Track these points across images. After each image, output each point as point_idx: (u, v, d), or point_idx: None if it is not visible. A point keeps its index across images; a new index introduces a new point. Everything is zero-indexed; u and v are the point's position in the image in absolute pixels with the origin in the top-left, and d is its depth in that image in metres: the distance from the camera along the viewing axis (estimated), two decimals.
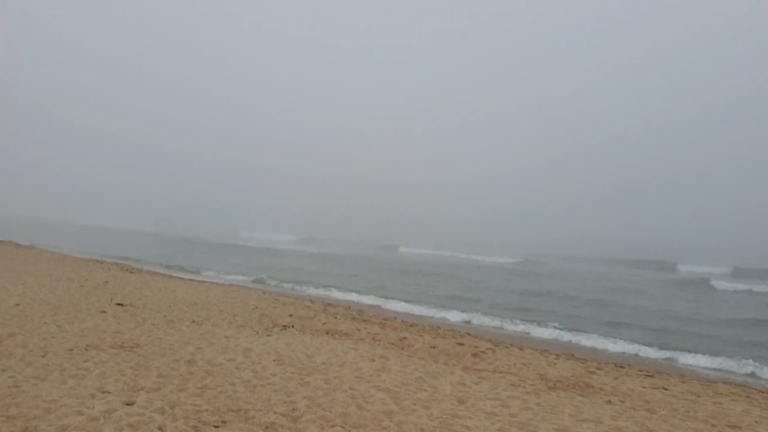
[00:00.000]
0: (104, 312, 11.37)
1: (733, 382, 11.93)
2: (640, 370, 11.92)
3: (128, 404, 6.00)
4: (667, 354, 14.31)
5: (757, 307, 27.70)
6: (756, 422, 7.51)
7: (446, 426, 6.21)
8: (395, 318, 16.92)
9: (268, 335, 10.81)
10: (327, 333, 11.66)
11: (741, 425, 7.26)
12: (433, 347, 10.97)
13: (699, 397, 8.87)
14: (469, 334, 15.47)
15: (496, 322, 18.26)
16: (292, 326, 12.07)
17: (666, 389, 9.27)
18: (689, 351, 14.73)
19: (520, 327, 17.51)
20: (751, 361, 13.93)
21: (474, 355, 10.60)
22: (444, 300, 23.78)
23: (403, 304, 21.50)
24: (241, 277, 27.75)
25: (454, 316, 18.98)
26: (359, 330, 12.36)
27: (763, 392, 10.47)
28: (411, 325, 14.79)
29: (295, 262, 44.39)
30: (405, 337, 11.86)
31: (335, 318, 14.10)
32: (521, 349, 12.40)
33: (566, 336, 16.29)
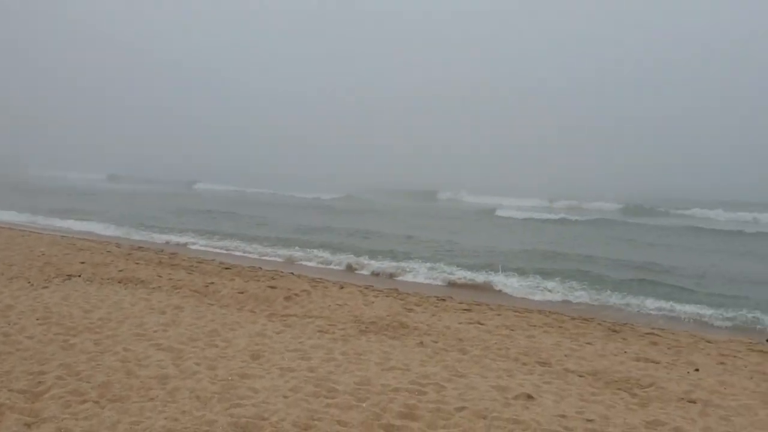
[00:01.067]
0: None
1: (548, 310, 12.03)
2: (460, 303, 11.66)
3: None
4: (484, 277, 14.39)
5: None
6: (566, 356, 7.25)
7: (230, 389, 5.23)
8: (213, 260, 15.63)
9: (45, 287, 9.21)
10: (120, 282, 10.21)
11: (551, 361, 6.95)
12: (242, 292, 9.91)
13: (513, 331, 8.58)
14: (292, 273, 14.58)
15: (326, 255, 17.52)
16: (79, 275, 10.47)
17: (481, 324, 8.92)
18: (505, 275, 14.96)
19: (345, 263, 16.89)
20: (575, 284, 14.35)
21: (287, 298, 9.68)
22: (271, 240, 22.67)
23: (226, 242, 20.23)
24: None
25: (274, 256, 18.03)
26: (161, 276, 11.00)
27: (574, 319, 10.54)
28: (226, 268, 13.61)
29: (102, 201, 40.96)
30: (212, 283, 10.69)
31: (137, 263, 12.57)
32: (342, 288, 11.67)
33: (392, 270, 15.90)
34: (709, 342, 10.12)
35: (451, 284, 14.69)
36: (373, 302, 9.85)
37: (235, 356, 6.24)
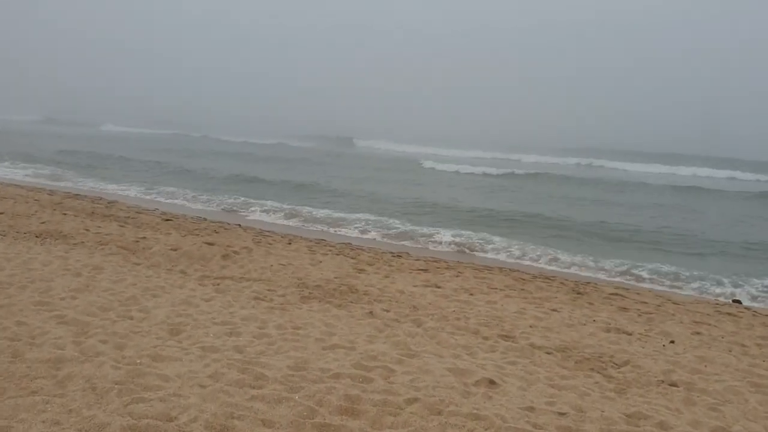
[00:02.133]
0: None
1: (509, 268, 11.31)
2: (416, 259, 10.85)
3: None
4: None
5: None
6: (531, 327, 6.47)
7: (135, 377, 4.29)
8: (155, 210, 14.49)
9: None
10: (39, 236, 9.06)
11: (515, 333, 6.17)
12: (175, 249, 8.88)
13: (472, 295, 7.77)
14: (239, 226, 13.57)
15: (276, 206, 16.50)
16: None
17: (438, 287, 8.11)
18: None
19: (295, 215, 15.90)
20: (528, 241, 13.62)
21: (224, 257, 8.69)
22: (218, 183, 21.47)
23: (172, 189, 19.09)
24: None
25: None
26: (87, 230, 9.86)
27: (536, 278, 9.82)
28: (167, 220, 12.52)
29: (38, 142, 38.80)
30: (144, 237, 9.62)
31: (65, 214, 11.37)
32: (290, 244, 10.73)
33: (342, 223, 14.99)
34: (676, 304, 9.56)
35: (402, 237, 13.90)
36: (321, 261, 8.93)
37: (150, 331, 5.28)
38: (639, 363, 5.58)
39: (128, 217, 12.20)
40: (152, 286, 6.74)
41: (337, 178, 26.99)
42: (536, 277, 10.71)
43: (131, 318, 5.59)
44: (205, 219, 14.22)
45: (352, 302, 6.81)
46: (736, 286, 11.57)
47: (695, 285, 11.54)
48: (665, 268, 12.30)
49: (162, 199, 17.86)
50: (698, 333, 6.96)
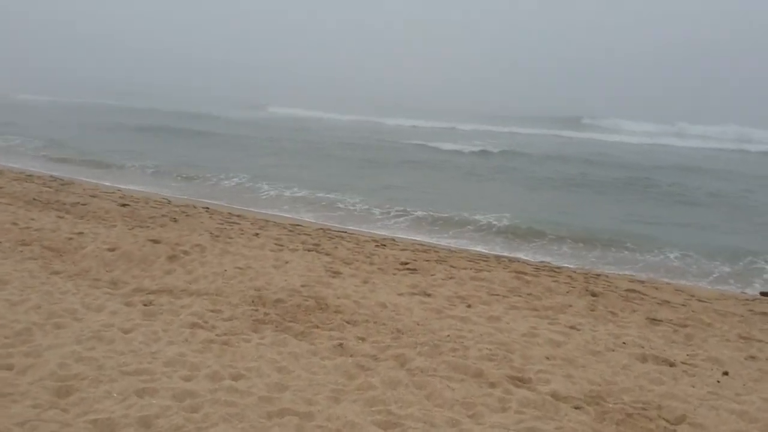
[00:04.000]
0: None
1: (507, 257, 9.81)
2: (402, 249, 9.32)
3: None
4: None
5: None
6: (548, 359, 4.93)
7: None
8: (114, 192, 12.84)
9: None
10: None
11: (529, 374, 4.62)
12: (113, 249, 7.27)
13: (470, 307, 6.21)
14: (207, 209, 11.97)
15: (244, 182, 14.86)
16: None
17: (428, 295, 6.56)
18: None
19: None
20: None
21: (171, 258, 7.09)
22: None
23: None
24: None
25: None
26: (16, 224, 8.19)
27: (538, 270, 8.32)
28: (123, 205, 10.90)
29: None
30: (81, 233, 7.99)
31: None
32: (256, 236, 9.13)
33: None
34: (702, 302, 8.15)
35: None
36: (287, 262, 7.33)
37: (27, 392, 3.71)
38: (698, 418, 4.07)
39: (77, 203, 10.55)
40: (61, 309, 5.14)
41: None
42: (539, 269, 9.23)
43: (9, 368, 4.02)
44: (169, 202, 12.60)
45: (318, 326, 5.24)
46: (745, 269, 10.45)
47: (701, 267, 10.52)
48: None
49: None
50: (753, 357, 5.46)
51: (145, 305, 5.45)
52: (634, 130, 45.25)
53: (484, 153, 26.11)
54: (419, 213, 13.24)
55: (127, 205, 11.20)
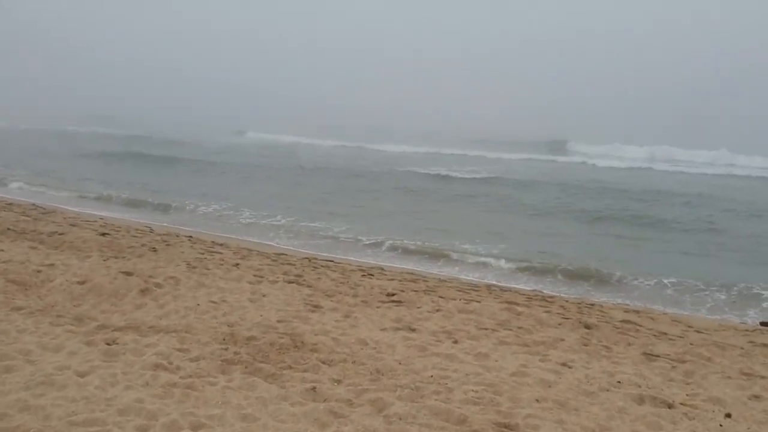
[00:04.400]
0: None
1: (499, 287, 9.46)
2: (390, 279, 8.97)
3: None
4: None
5: None
6: (537, 401, 4.55)
7: None
8: (96, 221, 12.48)
9: None
10: None
11: (517, 420, 4.24)
12: (83, 282, 6.88)
13: (457, 343, 5.85)
14: (190, 238, 11.61)
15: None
16: None
17: (413, 330, 6.19)
18: None
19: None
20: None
21: (143, 292, 6.71)
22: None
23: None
24: None
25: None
26: None
27: (530, 299, 7.97)
28: (103, 234, 10.53)
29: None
30: (52, 264, 7.61)
31: None
32: (236, 266, 8.76)
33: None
34: (700, 333, 7.83)
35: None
36: (265, 296, 6.96)
37: None
38: None
39: (54, 232, 10.18)
40: (14, 350, 4.75)
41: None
42: (532, 298, 8.89)
43: None
44: (151, 230, 12.25)
45: (291, 366, 4.85)
46: (740, 295, 10.20)
47: (696, 294, 10.29)
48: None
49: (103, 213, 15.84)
50: (757, 397, 5.10)
51: (107, 344, 5.07)
52: (622, 155, 45.07)
53: (473, 180, 25.81)
54: (409, 241, 12.93)
55: (108, 234, 10.84)
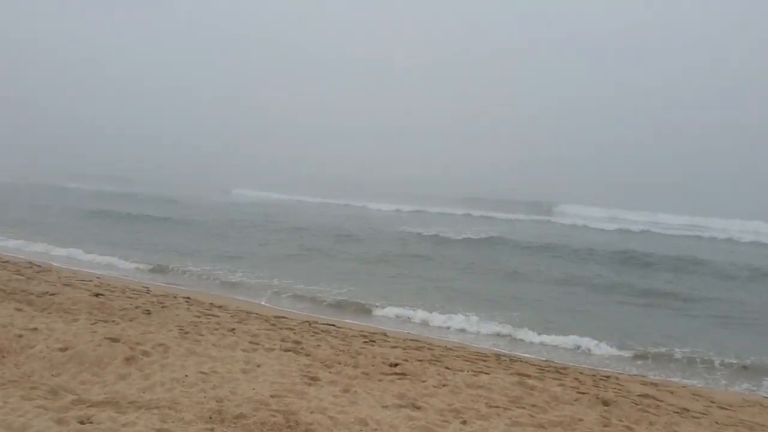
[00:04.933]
0: None
1: (508, 356, 8.91)
2: (393, 347, 8.44)
3: None
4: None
5: None
6: None
7: None
8: (91, 280, 12.02)
9: None
10: None
11: None
12: (65, 349, 6.37)
13: (465, 424, 5.30)
14: (187, 299, 11.14)
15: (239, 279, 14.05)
16: None
17: (417, 407, 5.65)
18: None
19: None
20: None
21: (128, 360, 6.19)
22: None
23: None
24: None
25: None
26: None
27: (543, 371, 7.41)
28: (96, 295, 10.06)
29: None
30: (35, 329, 7.11)
31: None
32: (232, 330, 8.26)
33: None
34: (724, 409, 7.29)
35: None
36: (259, 366, 6.43)
37: None
38: None
39: (45, 293, 9.72)
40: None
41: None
42: (544, 369, 8.35)
43: None
44: (148, 291, 11.78)
45: None
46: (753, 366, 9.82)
47: (710, 364, 9.92)
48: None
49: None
50: None
51: (80, 423, 4.54)
52: (615, 216, 44.38)
53: (467, 240, 25.14)
54: (411, 306, 12.46)
55: (101, 294, 10.38)
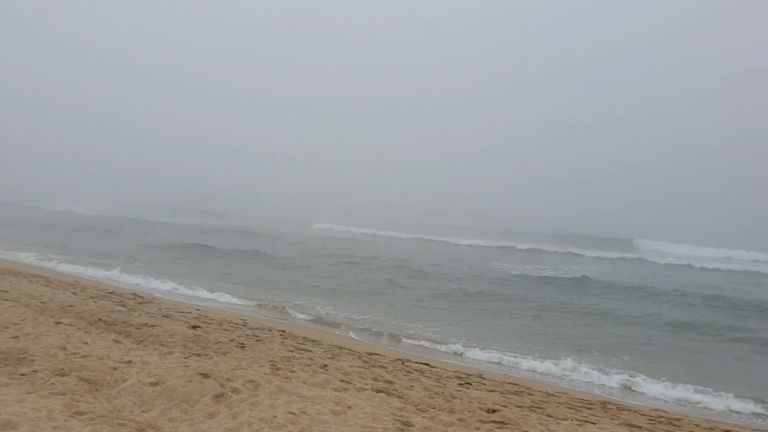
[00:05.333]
0: None
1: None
2: (491, 389, 7.86)
3: None
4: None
5: None
6: None
7: None
8: (190, 312, 12.15)
9: None
10: None
11: None
12: (156, 383, 6.27)
13: None
14: (283, 333, 11.03)
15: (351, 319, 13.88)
16: None
17: None
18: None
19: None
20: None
21: (217, 397, 5.99)
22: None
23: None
24: None
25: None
26: (65, 349, 7.43)
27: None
28: (194, 327, 10.10)
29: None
30: (129, 361, 7.09)
31: (58, 323, 9.06)
32: (324, 367, 7.97)
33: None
34: None
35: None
36: (350, 407, 6.07)
37: None
38: None
39: (144, 324, 9.83)
40: None
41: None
42: (655, 420, 7.57)
43: None
44: (245, 323, 11.78)
45: None
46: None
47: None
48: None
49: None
50: None
51: None
52: (700, 255, 41.28)
53: (555, 279, 24.05)
54: (508, 349, 11.84)
55: (198, 327, 10.42)
